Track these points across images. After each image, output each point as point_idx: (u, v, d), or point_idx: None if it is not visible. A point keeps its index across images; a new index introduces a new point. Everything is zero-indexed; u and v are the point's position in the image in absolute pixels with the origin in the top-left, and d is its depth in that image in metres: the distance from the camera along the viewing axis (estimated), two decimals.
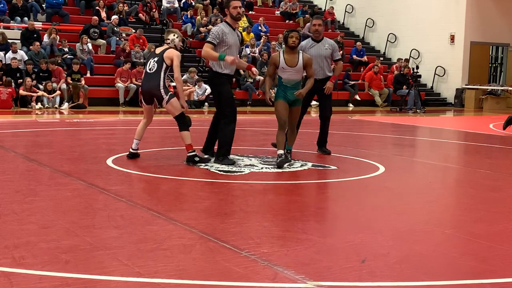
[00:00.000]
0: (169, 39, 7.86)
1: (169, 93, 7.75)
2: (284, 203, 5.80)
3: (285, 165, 7.58)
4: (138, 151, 8.06)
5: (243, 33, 21.82)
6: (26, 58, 17.13)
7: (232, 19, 7.70)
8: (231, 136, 7.73)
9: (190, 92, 17.97)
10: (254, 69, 7.69)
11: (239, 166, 7.54)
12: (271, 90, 8.47)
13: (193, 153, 7.74)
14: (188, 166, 7.61)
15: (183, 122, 7.85)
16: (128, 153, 8.04)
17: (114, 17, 20.42)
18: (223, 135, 7.74)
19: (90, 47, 18.67)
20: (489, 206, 5.92)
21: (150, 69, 7.80)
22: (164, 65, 7.70)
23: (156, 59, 7.77)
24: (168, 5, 22.60)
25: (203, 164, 7.66)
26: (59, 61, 17.51)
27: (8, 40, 17.67)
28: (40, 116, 14.73)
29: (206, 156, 7.92)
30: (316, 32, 8.76)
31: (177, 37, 7.86)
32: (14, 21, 19.46)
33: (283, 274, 3.75)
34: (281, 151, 7.58)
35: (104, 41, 19.52)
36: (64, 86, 16.88)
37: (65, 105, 16.63)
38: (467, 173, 8.20)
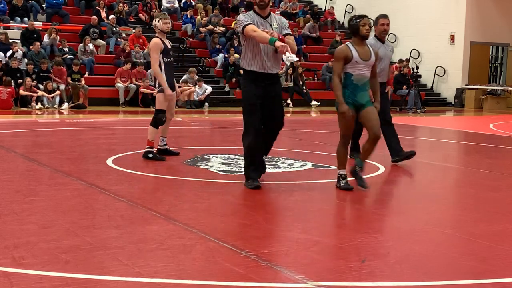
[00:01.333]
0: (153, 26, 8.11)
1: (160, 88, 7.93)
2: (284, 203, 5.80)
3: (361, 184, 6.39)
4: (168, 148, 8.32)
5: None
6: (25, 58, 17.14)
7: (257, 6, 6.41)
8: (247, 153, 6.46)
9: (190, 92, 17.96)
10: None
11: (239, 166, 7.54)
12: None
13: (150, 150, 7.97)
14: (188, 166, 7.61)
15: (155, 118, 8.01)
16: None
17: (112, 16, 20.43)
18: (243, 146, 6.54)
19: (92, 48, 18.68)
20: (489, 206, 5.92)
21: None
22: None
23: None
24: (168, 5, 22.60)
25: (203, 164, 7.66)
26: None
27: (9, 40, 17.69)
28: (40, 116, 14.74)
29: (160, 156, 8.02)
30: (384, 32, 8.18)
31: (158, 21, 8.01)
32: (14, 21, 19.47)
33: (283, 274, 3.75)
34: (343, 171, 6.40)
35: (103, 42, 19.52)
36: (62, 86, 16.89)
37: (65, 105, 16.64)
38: (467, 173, 8.20)
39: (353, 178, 6.40)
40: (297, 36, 22.96)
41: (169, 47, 8.04)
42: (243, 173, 6.55)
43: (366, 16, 6.43)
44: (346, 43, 6.46)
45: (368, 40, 8.15)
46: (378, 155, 9.00)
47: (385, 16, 8.26)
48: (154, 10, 22.09)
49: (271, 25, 6.34)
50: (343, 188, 6.33)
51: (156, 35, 8.02)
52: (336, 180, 6.46)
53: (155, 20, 8.04)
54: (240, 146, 7.78)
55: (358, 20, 6.35)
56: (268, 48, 6.20)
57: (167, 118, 8.16)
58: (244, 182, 6.45)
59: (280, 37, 6.07)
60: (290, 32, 6.45)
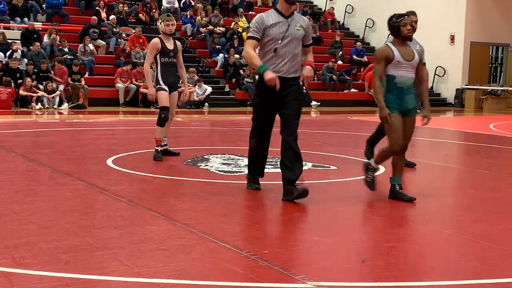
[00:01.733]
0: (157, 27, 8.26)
1: (157, 86, 8.04)
2: (284, 203, 5.79)
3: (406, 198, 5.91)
4: (166, 147, 8.32)
5: (243, 34, 21.85)
6: (25, 58, 17.14)
7: (285, 1, 5.85)
8: (249, 154, 6.24)
9: (190, 92, 17.96)
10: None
11: (239, 167, 7.54)
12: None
13: (156, 148, 8.06)
14: (188, 166, 7.61)
15: (159, 116, 8.11)
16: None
17: (112, 17, 20.44)
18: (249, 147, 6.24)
19: (92, 48, 18.68)
20: (489, 206, 5.92)
21: None
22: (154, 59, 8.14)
23: None
24: (168, 5, 22.60)
25: (203, 164, 7.66)
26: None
27: (8, 40, 17.69)
28: (40, 117, 14.74)
29: (158, 156, 7.99)
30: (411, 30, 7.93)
31: (160, 23, 8.12)
32: (14, 22, 19.47)
33: (283, 274, 3.74)
34: (398, 180, 5.96)
35: (104, 43, 19.53)
36: (62, 87, 16.89)
37: (65, 105, 16.63)
38: (467, 173, 8.20)
39: (396, 198, 5.93)
40: None
41: (170, 48, 8.02)
42: (244, 173, 6.54)
43: (406, 15, 5.99)
44: (386, 43, 6.02)
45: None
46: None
47: (413, 13, 7.78)
48: (154, 10, 22.10)
49: (289, 25, 5.78)
50: (368, 181, 6.14)
51: (159, 35, 8.09)
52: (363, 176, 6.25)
53: (158, 22, 8.13)
54: (240, 146, 7.82)
55: (398, 20, 5.93)
56: (286, 52, 5.75)
57: (168, 118, 8.17)
58: (244, 181, 6.44)
59: (305, 71, 5.76)
60: (312, 42, 6.11)
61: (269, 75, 5.58)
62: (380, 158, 6.11)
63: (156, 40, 7.98)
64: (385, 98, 5.81)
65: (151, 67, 8.21)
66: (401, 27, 5.91)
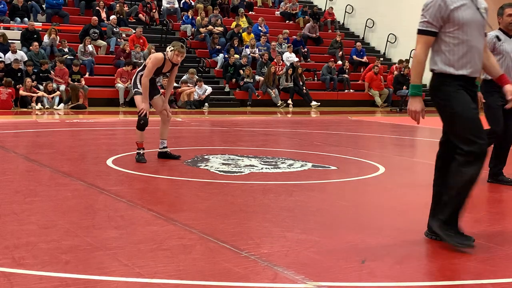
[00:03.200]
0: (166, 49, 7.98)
1: (135, 90, 7.98)
2: (284, 203, 5.80)
3: None
4: (167, 150, 8.21)
5: (243, 34, 21.86)
6: (26, 58, 17.14)
7: None
8: (465, 188, 4.53)
9: (190, 92, 17.98)
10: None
11: (239, 167, 7.54)
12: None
13: (137, 151, 7.94)
14: (188, 166, 7.61)
15: (138, 121, 7.99)
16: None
17: (112, 17, 20.45)
18: (456, 181, 4.48)
19: (92, 48, 18.69)
20: (489, 206, 5.92)
21: None
22: (143, 65, 8.10)
23: None
24: (168, 5, 22.62)
25: (203, 164, 7.66)
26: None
27: (8, 41, 17.70)
28: (40, 117, 14.74)
29: (141, 158, 7.85)
30: (511, 24, 6.79)
31: (170, 50, 7.85)
32: (14, 22, 19.49)
33: (283, 275, 3.74)
34: None
35: (104, 43, 19.55)
36: (63, 87, 16.90)
37: (61, 105, 16.60)
38: None
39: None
40: (299, 39, 22.99)
41: (165, 71, 7.95)
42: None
43: None
44: None
45: (491, 32, 6.61)
46: (377, 155, 9.03)
47: (510, 5, 6.95)
48: (154, 10, 22.12)
49: (478, 8, 4.31)
50: None
51: (164, 52, 7.90)
52: None
53: (169, 48, 7.85)
54: (240, 146, 7.80)
55: None
56: (479, 44, 4.30)
57: (164, 119, 8.13)
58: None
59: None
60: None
61: (414, 105, 4.27)
62: None
63: (160, 57, 7.81)
64: None
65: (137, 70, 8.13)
66: None
